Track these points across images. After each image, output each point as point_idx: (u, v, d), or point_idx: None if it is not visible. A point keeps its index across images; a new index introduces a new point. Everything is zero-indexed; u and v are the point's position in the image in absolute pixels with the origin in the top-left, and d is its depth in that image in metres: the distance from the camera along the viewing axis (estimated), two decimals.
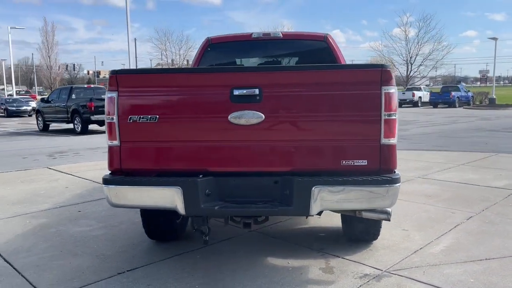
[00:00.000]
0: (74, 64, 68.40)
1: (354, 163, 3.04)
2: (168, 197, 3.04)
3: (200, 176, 3.10)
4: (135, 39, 57.82)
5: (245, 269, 3.59)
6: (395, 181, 2.98)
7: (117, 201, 3.14)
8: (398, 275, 3.44)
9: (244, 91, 3.03)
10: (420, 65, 49.03)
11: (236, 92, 3.03)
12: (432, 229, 4.51)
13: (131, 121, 3.12)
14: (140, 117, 3.11)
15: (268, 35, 5.28)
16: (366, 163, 3.04)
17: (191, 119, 3.10)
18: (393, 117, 3.03)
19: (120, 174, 3.21)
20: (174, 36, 63.11)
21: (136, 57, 51.74)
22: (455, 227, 4.57)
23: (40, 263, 3.86)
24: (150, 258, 3.91)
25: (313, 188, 2.95)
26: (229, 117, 3.02)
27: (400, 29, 48.49)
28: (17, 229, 4.84)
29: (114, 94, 3.12)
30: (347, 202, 3.01)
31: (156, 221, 3.99)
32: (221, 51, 5.41)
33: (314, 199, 2.96)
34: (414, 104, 37.55)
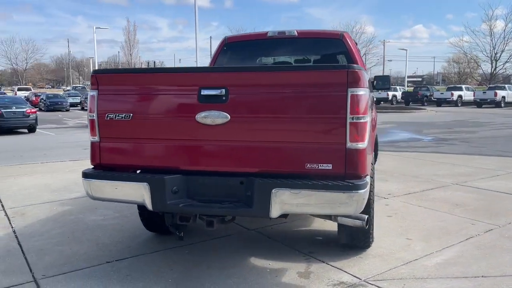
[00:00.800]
0: (154, 62, 71.99)
1: (318, 167, 2.95)
2: (138, 192, 3.16)
3: (170, 174, 3.18)
4: (210, 37, 59.54)
5: (224, 268, 3.62)
6: (359, 187, 2.85)
7: (95, 194, 3.32)
8: (374, 285, 3.28)
9: (211, 92, 3.05)
10: (507, 61, 45.28)
11: (203, 92, 3.06)
12: (439, 240, 4.23)
13: (108, 118, 3.27)
14: (116, 114, 3.25)
15: (283, 34, 5.23)
16: (331, 167, 2.94)
17: (162, 118, 3.19)
18: (362, 120, 2.89)
19: (100, 169, 3.39)
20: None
21: (211, 54, 53.31)
22: (466, 239, 4.24)
23: (45, 247, 4.17)
24: (142, 250, 4.07)
25: (272, 191, 2.91)
26: (196, 116, 3.06)
27: (486, 23, 44.84)
28: (42, 214, 5.26)
29: (95, 93, 3.30)
30: (307, 206, 2.93)
31: (148, 214, 4.14)
32: (237, 50, 5.45)
33: (274, 201, 2.92)
34: (497, 104, 34.83)
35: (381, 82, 6.65)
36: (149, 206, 3.16)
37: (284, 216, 3.15)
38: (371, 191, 3.62)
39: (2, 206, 5.69)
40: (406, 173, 7.54)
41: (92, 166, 3.42)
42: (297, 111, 2.97)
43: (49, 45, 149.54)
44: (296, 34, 5.18)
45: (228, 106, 3.03)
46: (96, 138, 3.35)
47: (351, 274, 3.47)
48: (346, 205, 2.87)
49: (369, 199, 3.54)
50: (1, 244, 4.27)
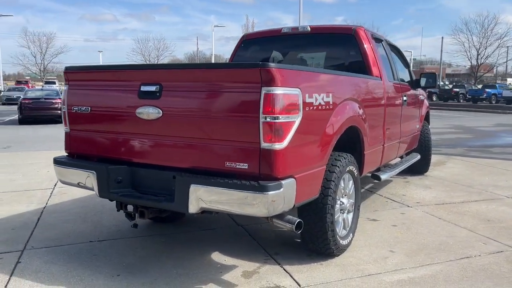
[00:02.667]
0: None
1: (236, 166, 2.92)
2: (88, 179, 3.45)
3: (118, 164, 3.41)
4: None
5: (180, 259, 3.75)
6: (266, 188, 2.76)
7: (60, 178, 3.71)
8: None
9: (147, 88, 3.20)
10: None
11: (142, 88, 3.23)
12: (426, 256, 3.81)
13: (74, 111, 3.62)
14: (79, 108, 3.58)
15: (296, 30, 5.14)
16: (246, 167, 2.89)
17: (112, 112, 3.42)
18: (279, 121, 2.79)
19: (70, 156, 3.76)
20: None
21: None
22: (459, 259, 3.76)
23: (55, 223, 4.73)
24: (127, 234, 4.39)
25: (190, 186, 2.96)
26: (136, 111, 3.24)
27: None
28: (78, 195, 5.91)
29: (66, 88, 3.67)
30: (220, 204, 2.92)
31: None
32: (254, 47, 5.50)
33: (191, 197, 2.97)
34: None
35: (429, 80, 6.13)
36: (96, 193, 3.43)
37: (209, 212, 3.17)
38: (329, 196, 3.44)
39: (55, 185, 6.51)
40: (460, 182, 6.80)
41: (66, 154, 3.80)
42: (215, 109, 2.97)
43: (183, 43, 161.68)
44: (309, 30, 5.05)
45: (160, 102, 3.15)
46: (67, 129, 3.72)
47: (294, 280, 3.34)
48: (252, 206, 2.81)
49: (323, 203, 3.39)
50: (25, 217, 4.94)
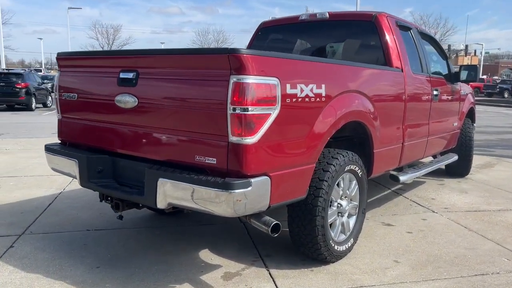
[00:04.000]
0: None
1: (205, 160, 2.70)
2: (71, 167, 3.38)
3: (100, 153, 3.31)
4: None
5: (165, 254, 3.61)
6: (230, 186, 2.52)
7: (50, 165, 3.68)
8: None
9: (125, 75, 3.06)
10: None
11: (121, 75, 3.09)
12: (434, 270, 3.40)
13: (63, 97, 3.56)
14: (68, 94, 3.52)
15: (314, 17, 4.82)
16: (215, 162, 2.66)
17: (95, 99, 3.32)
18: (249, 113, 2.53)
19: (63, 144, 3.72)
20: (431, 18, 58.88)
21: None
22: (472, 275, 3.31)
23: (63, 209, 4.77)
24: (125, 224, 4.31)
25: (158, 180, 2.79)
26: (115, 99, 3.11)
27: None
28: None
29: (58, 74, 3.62)
30: (185, 200, 2.72)
31: None
32: (271, 35, 5.23)
33: (159, 191, 2.80)
34: None
35: (470, 73, 5.59)
36: (78, 181, 3.35)
37: (181, 210, 2.98)
38: (320, 197, 3.14)
39: None
40: (504, 187, 6.13)
41: (59, 142, 3.77)
42: (185, 98, 2.77)
43: (247, 35, 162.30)
44: (328, 17, 4.70)
45: (136, 90, 3.00)
46: (59, 116, 3.67)
47: (276, 286, 3.09)
48: (217, 205, 2.58)
49: (313, 204, 3.12)
50: (38, 202, 5.04)
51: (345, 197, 3.56)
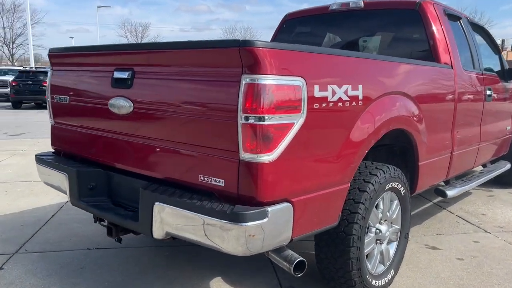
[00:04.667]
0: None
1: (211, 181, 2.16)
2: (62, 182, 2.90)
3: (94, 166, 2.82)
4: None
5: (170, 282, 3.10)
6: (240, 217, 1.96)
7: (41, 178, 3.21)
8: None
9: (119, 74, 2.55)
10: None
11: (115, 75, 2.58)
12: None
13: (55, 100, 3.08)
14: (60, 97, 3.04)
15: (347, 6, 4.19)
16: (223, 184, 2.11)
17: (89, 103, 2.82)
18: (265, 123, 1.97)
19: (57, 154, 3.24)
20: (466, 12, 56.67)
21: None
22: None
23: (66, 222, 4.32)
24: (132, 242, 3.82)
25: (154, 205, 2.26)
26: (109, 103, 2.61)
27: None
28: None
29: (49, 73, 3.15)
30: (185, 231, 2.18)
31: None
32: (298, 28, 4.64)
33: (155, 218, 2.27)
34: None
35: None
36: (68, 199, 2.87)
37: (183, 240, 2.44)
38: (355, 223, 2.55)
39: None
40: None
41: (52, 151, 3.30)
42: (185, 103, 2.23)
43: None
44: (363, 6, 4.08)
45: (132, 93, 2.48)
46: (52, 121, 3.20)
47: None
48: (222, 240, 2.03)
49: (346, 233, 2.54)
50: (41, 212, 4.62)
51: (385, 220, 2.95)
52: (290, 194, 2.13)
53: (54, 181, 3.00)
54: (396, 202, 3.02)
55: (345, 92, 2.36)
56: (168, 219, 2.21)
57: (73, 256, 3.53)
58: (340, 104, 2.33)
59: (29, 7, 30.92)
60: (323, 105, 2.22)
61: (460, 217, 4.62)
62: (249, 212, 1.97)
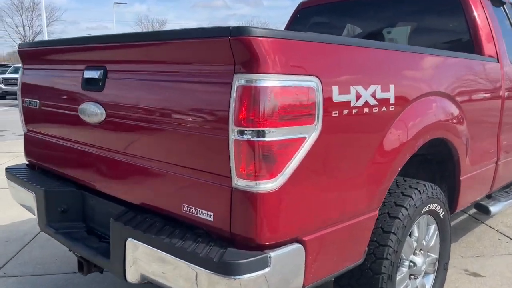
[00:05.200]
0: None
1: (196, 213, 1.65)
2: (30, 202, 2.44)
3: (67, 185, 2.35)
4: None
5: None
6: (230, 268, 1.45)
7: (12, 195, 2.76)
8: None
9: (90, 74, 2.06)
10: None
11: (85, 75, 2.09)
12: None
13: (26, 104, 2.62)
14: (30, 100, 2.57)
15: None
16: (211, 219, 1.61)
17: (58, 109, 2.34)
18: (266, 139, 1.45)
19: (31, 167, 2.78)
20: None
21: None
22: None
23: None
24: None
25: (127, 241, 1.77)
26: (79, 109, 2.13)
27: None
28: None
29: (20, 73, 2.68)
30: (162, 278, 1.68)
31: None
32: (312, 18, 4.08)
33: (129, 257, 1.78)
34: None
35: None
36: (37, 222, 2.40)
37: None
38: (385, 259, 2.02)
39: None
40: None
41: (26, 163, 2.84)
42: (165, 112, 1.73)
43: None
44: None
45: (104, 97, 1.99)
46: (24, 128, 2.74)
47: None
48: None
49: (374, 271, 2.02)
50: (28, 226, 4.17)
51: (420, 250, 2.40)
52: (301, 232, 1.61)
53: (25, 200, 2.54)
54: (433, 226, 2.47)
55: (373, 95, 1.82)
56: (143, 261, 1.72)
57: (55, 282, 3.08)
58: (366, 110, 1.79)
59: (49, 5, 30.80)
60: (344, 112, 1.69)
61: (502, 233, 4.02)
62: (244, 260, 1.46)
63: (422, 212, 2.27)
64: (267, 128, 1.45)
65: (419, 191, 2.23)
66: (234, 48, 1.43)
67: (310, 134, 1.56)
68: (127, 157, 1.92)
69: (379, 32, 3.75)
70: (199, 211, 1.63)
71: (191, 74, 1.61)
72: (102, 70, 1.98)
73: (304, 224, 1.62)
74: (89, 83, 2.05)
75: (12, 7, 52.51)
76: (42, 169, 2.66)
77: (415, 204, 2.18)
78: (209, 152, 1.56)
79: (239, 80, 1.45)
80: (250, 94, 1.43)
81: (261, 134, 1.45)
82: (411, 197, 2.17)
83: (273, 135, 1.46)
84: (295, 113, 1.51)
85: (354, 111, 1.73)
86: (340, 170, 1.72)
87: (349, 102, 1.71)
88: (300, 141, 1.54)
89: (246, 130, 1.45)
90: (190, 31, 1.59)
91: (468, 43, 3.05)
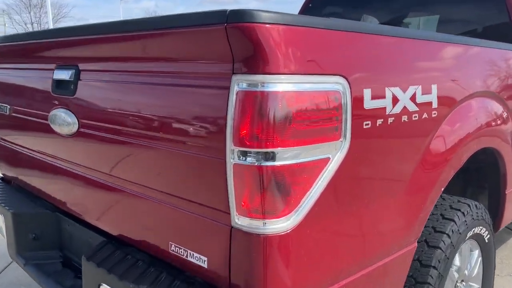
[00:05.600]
0: None
1: (187, 256, 1.28)
2: (2, 225, 2.08)
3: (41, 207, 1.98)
4: None
5: None
6: None
7: None
8: None
9: (60, 74, 1.69)
10: None
11: (55, 75, 1.72)
12: None
13: None
14: (0, 105, 2.21)
15: None
16: (205, 265, 1.23)
17: (29, 116, 1.97)
18: (275, 163, 1.07)
19: (6, 181, 2.43)
20: None
21: None
22: None
23: None
24: None
25: (100, 286, 1.40)
26: (48, 117, 1.76)
27: None
28: None
29: None
30: None
31: None
32: (325, 8, 3.68)
33: None
34: None
35: None
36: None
37: None
38: None
39: None
40: None
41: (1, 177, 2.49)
42: (145, 123, 1.33)
43: None
44: None
45: (76, 102, 1.61)
46: None
47: None
48: None
49: None
50: None
51: (462, 281, 2.00)
52: (322, 284, 1.22)
53: None
54: (476, 252, 2.07)
55: (412, 98, 1.42)
56: None
57: None
58: (404, 118, 1.40)
59: (56, 2, 30.58)
60: (378, 122, 1.30)
61: None
62: None
63: (467, 238, 1.87)
64: (278, 148, 1.06)
65: (463, 213, 1.83)
66: (232, 39, 1.04)
67: (335, 154, 1.17)
68: (104, 178, 1.55)
69: (399, 23, 3.33)
70: (190, 253, 1.25)
71: (177, 76, 1.23)
72: (74, 70, 1.60)
73: (326, 274, 1.23)
74: (59, 86, 1.68)
75: (20, 4, 52.41)
76: (18, 184, 2.31)
77: (458, 230, 1.78)
78: (201, 179, 1.18)
79: (239, 84, 1.06)
80: (255, 103, 1.05)
81: (270, 156, 1.06)
82: (453, 221, 1.77)
83: (287, 157, 1.08)
84: (316, 126, 1.13)
85: (390, 120, 1.34)
86: (373, 198, 1.33)
87: (384, 108, 1.31)
88: (322, 163, 1.15)
89: (249, 151, 1.06)
90: (174, 18, 1.19)
91: (509, 30, 2.64)
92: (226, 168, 1.10)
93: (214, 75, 1.12)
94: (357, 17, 3.52)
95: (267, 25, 1.03)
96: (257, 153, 1.06)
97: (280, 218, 1.10)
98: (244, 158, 1.07)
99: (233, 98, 1.06)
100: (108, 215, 1.59)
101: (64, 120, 1.63)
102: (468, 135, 1.70)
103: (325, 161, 1.16)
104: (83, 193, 1.68)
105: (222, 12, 1.05)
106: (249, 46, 1.03)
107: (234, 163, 1.08)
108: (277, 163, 1.07)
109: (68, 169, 1.75)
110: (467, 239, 1.89)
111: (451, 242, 1.74)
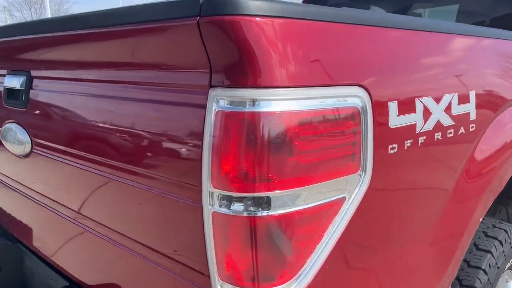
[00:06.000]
0: None
1: None
2: None
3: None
4: None
5: None
6: None
7: None
8: None
9: (10, 82, 1.38)
10: None
11: (6, 83, 1.42)
12: None
13: None
14: None
15: None
16: None
17: None
18: (269, 212, 0.76)
19: None
20: None
21: None
22: None
23: None
24: None
25: None
26: (1, 132, 1.46)
27: None
28: None
29: None
30: None
31: None
32: (330, 0, 3.35)
33: None
34: None
35: None
36: None
37: None
38: None
39: None
40: None
41: None
42: (108, 150, 1.03)
43: None
44: None
45: (28, 117, 1.31)
46: None
47: None
48: None
49: None
50: None
51: None
52: None
53: None
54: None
55: (447, 110, 1.11)
56: None
57: None
58: (438, 136, 1.09)
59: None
60: (407, 144, 0.99)
61: None
62: None
63: (505, 270, 1.57)
64: (276, 191, 0.76)
65: (500, 242, 1.52)
66: (208, 38, 0.73)
67: (353, 192, 0.87)
68: (63, 211, 1.25)
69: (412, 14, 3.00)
70: None
71: (139, 87, 0.92)
72: (24, 77, 1.30)
73: None
74: (11, 96, 1.38)
75: (21, 0, 52.13)
76: None
77: (496, 264, 1.47)
78: (174, 227, 0.88)
79: (219, 101, 0.76)
80: (242, 128, 0.74)
81: (264, 202, 0.76)
82: (490, 252, 1.47)
83: (286, 202, 0.77)
84: (326, 156, 0.82)
85: (421, 140, 1.03)
86: (402, 246, 1.02)
87: (413, 125, 1.00)
88: (335, 206, 0.85)
89: (234, 196, 0.76)
90: (130, 11, 0.87)
91: None
92: (203, 217, 0.79)
93: (185, 88, 0.81)
94: (365, 7, 3.21)
95: (258, 18, 0.73)
96: (245, 198, 0.76)
97: (280, 286, 0.79)
98: (227, 204, 0.77)
99: (211, 120, 0.76)
100: (70, 256, 1.30)
101: (15, 138, 1.34)
102: (510, 150, 1.38)
103: (339, 203, 0.85)
104: (43, 227, 1.39)
105: (195, 1, 0.74)
106: (232, 48, 0.73)
107: (214, 211, 0.78)
108: (273, 212, 0.76)
109: (26, 194, 1.45)
110: (506, 270, 1.59)
111: (489, 280, 1.43)
